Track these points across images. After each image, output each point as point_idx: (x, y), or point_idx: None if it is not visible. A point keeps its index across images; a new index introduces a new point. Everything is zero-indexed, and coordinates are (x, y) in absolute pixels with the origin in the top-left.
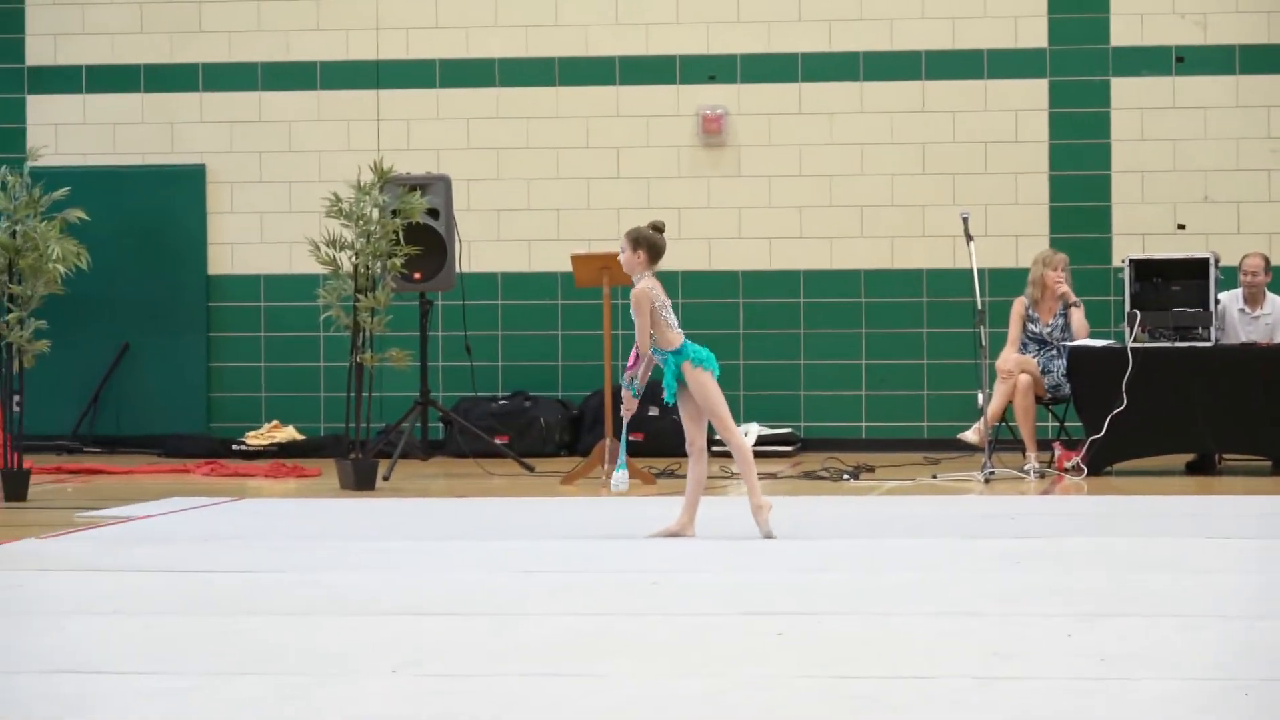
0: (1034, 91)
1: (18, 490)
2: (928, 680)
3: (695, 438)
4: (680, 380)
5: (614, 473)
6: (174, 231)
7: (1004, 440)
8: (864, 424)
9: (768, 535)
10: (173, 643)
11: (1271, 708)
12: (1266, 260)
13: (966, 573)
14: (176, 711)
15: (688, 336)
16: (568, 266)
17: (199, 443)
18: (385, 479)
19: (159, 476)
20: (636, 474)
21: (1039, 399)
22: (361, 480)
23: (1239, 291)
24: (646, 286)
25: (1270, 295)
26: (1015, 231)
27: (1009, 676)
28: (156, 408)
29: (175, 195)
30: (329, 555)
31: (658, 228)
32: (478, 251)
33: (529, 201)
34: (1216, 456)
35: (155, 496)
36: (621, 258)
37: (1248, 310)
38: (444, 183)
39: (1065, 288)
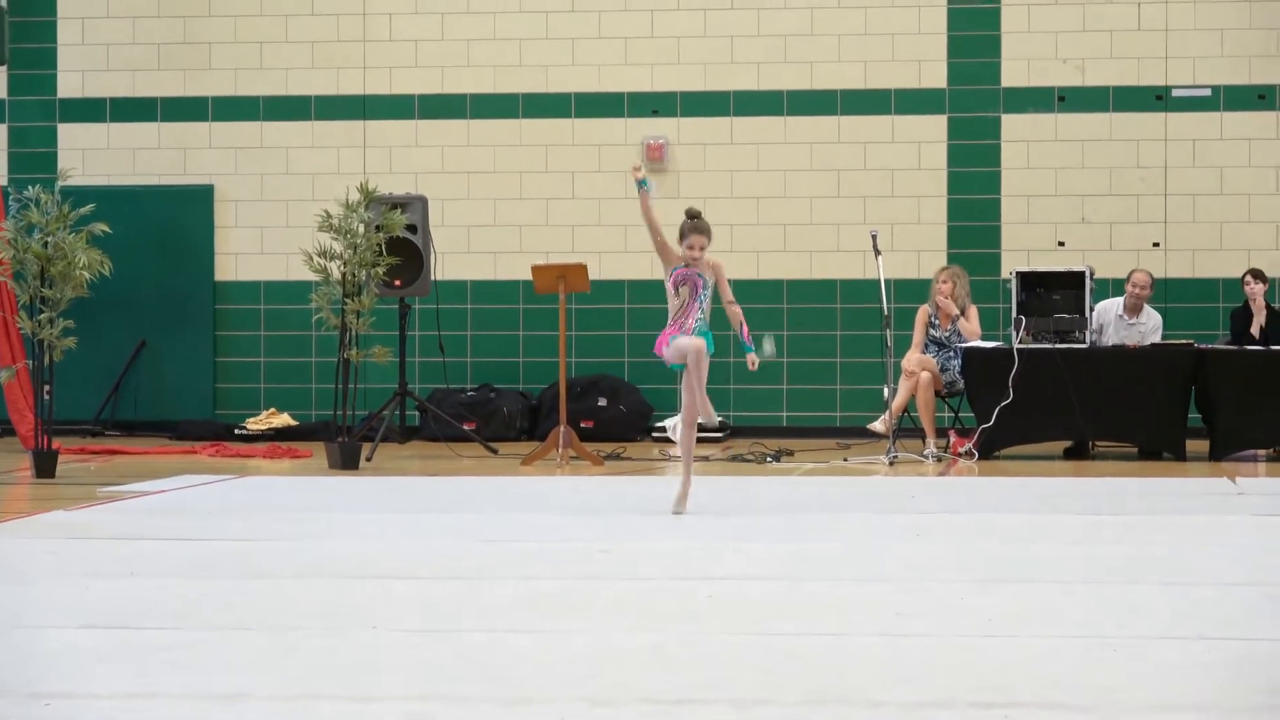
0: (935, 126)
1: (48, 468)
2: (841, 636)
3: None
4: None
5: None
6: (186, 243)
7: (906, 429)
8: (785, 414)
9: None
10: (183, 601)
11: (1134, 659)
12: (1151, 277)
13: (873, 543)
14: (187, 662)
15: (640, 338)
16: (528, 275)
17: (206, 427)
18: (368, 460)
19: (171, 457)
20: (585, 456)
21: (937, 393)
22: (347, 461)
23: (1122, 300)
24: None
25: (1148, 308)
26: (917, 247)
27: (911, 634)
28: (169, 396)
29: (187, 211)
30: (319, 526)
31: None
32: (450, 262)
33: (495, 219)
34: (1091, 443)
35: (168, 474)
36: (703, 254)
37: (1126, 318)
38: (421, 202)
39: (947, 300)
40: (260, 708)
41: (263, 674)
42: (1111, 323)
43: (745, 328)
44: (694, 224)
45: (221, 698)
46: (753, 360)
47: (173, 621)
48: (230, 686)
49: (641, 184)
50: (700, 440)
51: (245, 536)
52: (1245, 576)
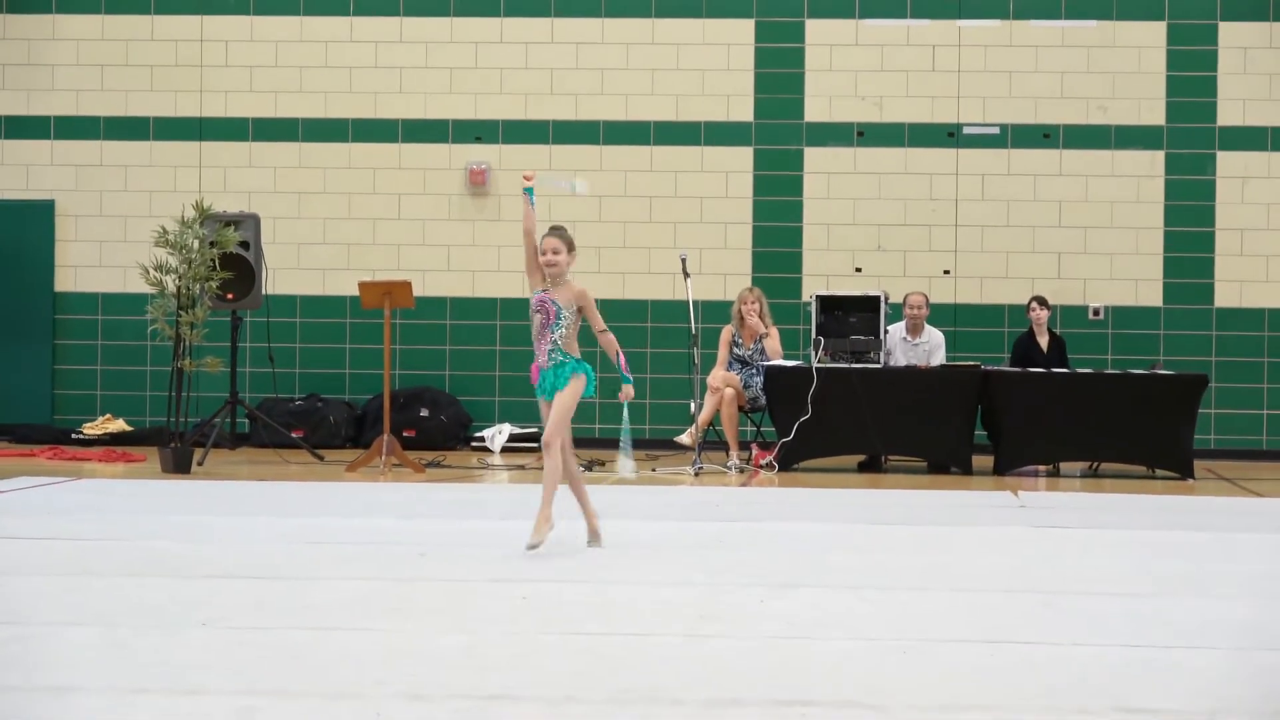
0: (741, 157)
1: None
2: (646, 637)
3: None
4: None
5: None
6: (27, 255)
7: (711, 441)
8: (598, 425)
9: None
10: (18, 598)
11: (924, 661)
12: (926, 298)
13: (679, 549)
14: (18, 655)
15: (460, 353)
16: (356, 291)
17: (44, 431)
18: (200, 464)
19: (8, 459)
20: (407, 463)
21: (741, 408)
22: (180, 465)
23: (903, 323)
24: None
25: (928, 327)
26: (724, 271)
27: (712, 635)
28: (8, 401)
29: (29, 225)
30: (152, 526)
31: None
32: (281, 277)
33: (325, 237)
34: (883, 457)
35: (5, 476)
36: (561, 258)
37: (909, 339)
38: (254, 220)
39: (754, 319)
40: (90, 701)
41: (94, 669)
42: (898, 345)
43: (622, 357)
44: (550, 228)
45: (51, 690)
46: (625, 393)
47: (6, 616)
48: (61, 680)
49: (528, 191)
50: (517, 450)
51: (80, 536)
52: (1026, 584)
